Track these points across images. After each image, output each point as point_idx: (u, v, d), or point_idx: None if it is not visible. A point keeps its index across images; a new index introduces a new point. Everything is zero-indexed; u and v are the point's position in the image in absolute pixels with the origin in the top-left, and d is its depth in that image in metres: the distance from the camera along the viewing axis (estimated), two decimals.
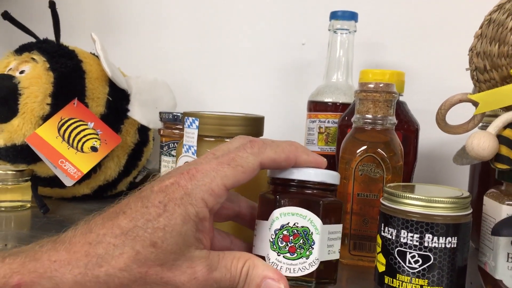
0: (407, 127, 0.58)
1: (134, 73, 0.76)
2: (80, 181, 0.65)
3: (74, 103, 0.66)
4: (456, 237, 0.41)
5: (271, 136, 0.57)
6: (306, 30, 0.78)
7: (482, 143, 0.41)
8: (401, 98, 0.59)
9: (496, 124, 0.42)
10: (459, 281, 0.42)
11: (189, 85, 0.87)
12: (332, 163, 0.60)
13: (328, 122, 0.64)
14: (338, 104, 0.64)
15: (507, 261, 0.41)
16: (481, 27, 0.42)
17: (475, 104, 0.45)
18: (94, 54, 0.72)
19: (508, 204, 0.41)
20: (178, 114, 0.63)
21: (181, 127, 0.57)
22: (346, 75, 0.66)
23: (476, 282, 0.46)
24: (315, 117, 0.65)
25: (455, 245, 0.41)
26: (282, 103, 0.80)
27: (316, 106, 0.65)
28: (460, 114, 0.48)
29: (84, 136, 0.65)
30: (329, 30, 0.66)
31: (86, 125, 0.66)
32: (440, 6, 0.70)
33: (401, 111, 0.58)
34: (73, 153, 0.64)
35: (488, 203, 0.43)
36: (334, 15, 0.65)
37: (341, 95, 0.64)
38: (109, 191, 0.72)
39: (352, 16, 0.65)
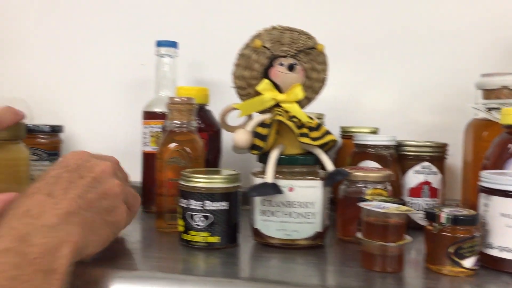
0: (212, 129, 0.77)
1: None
2: None
3: None
4: (227, 202, 0.60)
5: (115, 141, 0.76)
6: (145, 53, 0.94)
7: (239, 137, 0.60)
8: (207, 107, 0.78)
9: (251, 124, 0.62)
10: (233, 233, 0.61)
11: (46, 100, 1.00)
12: None
13: (158, 127, 0.81)
14: (165, 113, 0.81)
15: (260, 215, 0.61)
16: (237, 59, 0.62)
17: None
18: None
19: (259, 177, 0.61)
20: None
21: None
22: (172, 90, 0.83)
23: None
24: (148, 124, 0.81)
25: (227, 207, 0.60)
26: (126, 113, 0.96)
27: (148, 115, 0.82)
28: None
29: None
30: (156, 55, 0.84)
31: None
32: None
33: (207, 117, 0.77)
34: None
35: (251, 178, 0.63)
36: (159, 43, 0.83)
37: None
38: None
39: (172, 44, 0.83)
